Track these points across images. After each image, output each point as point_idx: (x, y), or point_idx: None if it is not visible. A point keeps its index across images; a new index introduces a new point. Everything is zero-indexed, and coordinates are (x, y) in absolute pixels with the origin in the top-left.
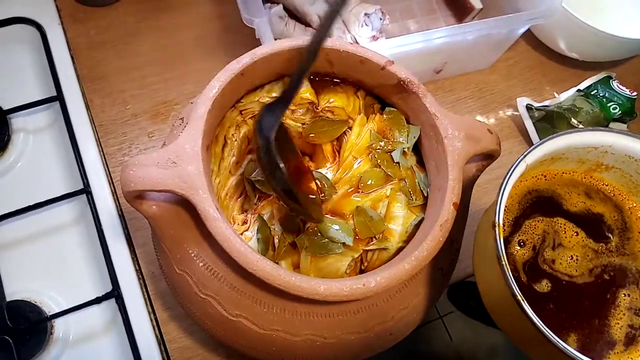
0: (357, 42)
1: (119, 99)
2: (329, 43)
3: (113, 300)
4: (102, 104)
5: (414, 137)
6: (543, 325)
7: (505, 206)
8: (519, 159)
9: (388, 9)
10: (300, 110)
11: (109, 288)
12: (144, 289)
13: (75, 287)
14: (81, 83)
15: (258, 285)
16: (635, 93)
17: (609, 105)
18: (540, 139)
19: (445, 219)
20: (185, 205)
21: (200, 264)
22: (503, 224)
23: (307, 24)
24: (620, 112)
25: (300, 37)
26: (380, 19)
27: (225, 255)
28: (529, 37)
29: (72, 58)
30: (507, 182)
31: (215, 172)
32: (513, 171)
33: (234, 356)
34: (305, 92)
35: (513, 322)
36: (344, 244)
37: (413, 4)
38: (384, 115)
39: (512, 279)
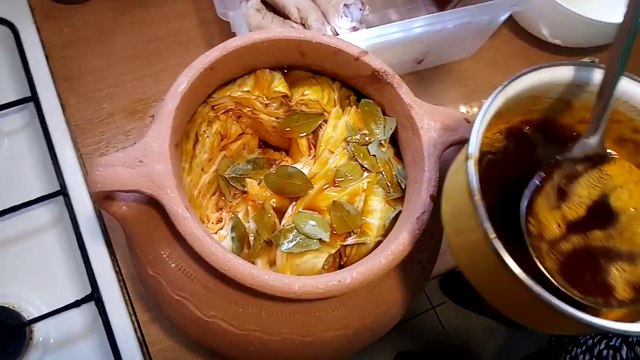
0: (337, 34)
1: (95, 98)
2: (301, 34)
3: (93, 303)
4: (78, 104)
5: (390, 129)
6: (520, 271)
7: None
8: (494, 95)
9: None
10: (274, 104)
11: (89, 291)
12: (125, 291)
13: (55, 290)
14: (56, 83)
15: (232, 285)
16: None
17: None
18: None
19: (422, 212)
20: (156, 205)
21: (173, 265)
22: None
23: (285, 16)
24: None
25: (272, 30)
26: (360, 10)
27: (197, 256)
28: (512, 24)
29: (47, 57)
30: (487, 109)
31: (187, 170)
32: (493, 100)
33: (217, 357)
34: (279, 85)
35: (490, 275)
36: (320, 239)
37: None
38: (360, 108)
39: (486, 216)
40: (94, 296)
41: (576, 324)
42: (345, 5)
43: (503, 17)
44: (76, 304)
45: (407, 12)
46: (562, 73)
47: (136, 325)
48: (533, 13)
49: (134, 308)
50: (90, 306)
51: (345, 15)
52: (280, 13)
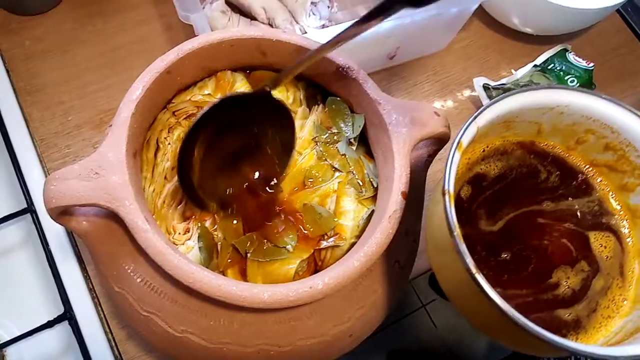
0: (305, 33)
1: (59, 111)
2: (259, 32)
3: (66, 323)
4: (42, 117)
5: (359, 126)
6: (508, 306)
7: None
8: (469, 121)
9: None
10: None
11: (62, 310)
12: (100, 308)
13: (27, 312)
14: (18, 97)
15: (200, 298)
16: (592, 64)
17: (566, 78)
18: None
19: (393, 210)
20: (116, 218)
21: (138, 280)
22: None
23: (252, 17)
24: (578, 84)
25: (229, 29)
26: (328, 7)
27: (162, 269)
28: (483, 15)
29: (8, 71)
30: (458, 141)
31: (149, 180)
32: (464, 132)
33: None
34: (241, 86)
35: (475, 306)
36: (286, 248)
37: None
38: (327, 106)
39: (467, 253)
40: (67, 315)
41: (558, 349)
42: (312, 3)
43: (473, 8)
44: (49, 324)
45: None
46: (529, 98)
47: (113, 344)
48: (502, 2)
49: (110, 325)
50: (64, 326)
51: (313, 14)
52: (247, 14)
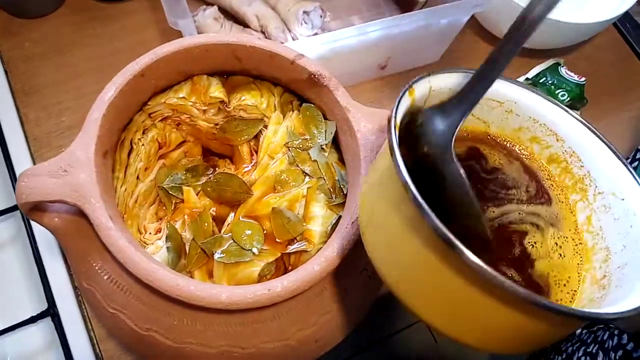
0: (297, 40)
1: (54, 112)
2: (234, 39)
3: (49, 319)
4: (37, 118)
5: (331, 133)
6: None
7: None
8: (424, 75)
9: (332, 5)
10: (212, 111)
11: (46, 307)
12: (83, 306)
13: (12, 307)
14: (15, 97)
15: (164, 297)
16: (583, 79)
17: (557, 92)
18: None
19: (357, 216)
20: (86, 215)
21: (105, 277)
22: None
23: (244, 25)
24: (569, 98)
25: (205, 35)
26: (320, 16)
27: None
28: (476, 27)
29: (6, 72)
30: (410, 85)
31: (121, 179)
32: (418, 80)
33: None
34: (215, 90)
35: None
36: (251, 251)
37: (358, 0)
38: (301, 112)
39: (407, 173)
40: (50, 312)
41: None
42: (304, 12)
43: (464, 20)
44: (31, 320)
45: (371, 18)
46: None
47: (95, 341)
48: (495, 15)
49: (92, 323)
50: (48, 322)
51: (305, 22)
52: (240, 22)
